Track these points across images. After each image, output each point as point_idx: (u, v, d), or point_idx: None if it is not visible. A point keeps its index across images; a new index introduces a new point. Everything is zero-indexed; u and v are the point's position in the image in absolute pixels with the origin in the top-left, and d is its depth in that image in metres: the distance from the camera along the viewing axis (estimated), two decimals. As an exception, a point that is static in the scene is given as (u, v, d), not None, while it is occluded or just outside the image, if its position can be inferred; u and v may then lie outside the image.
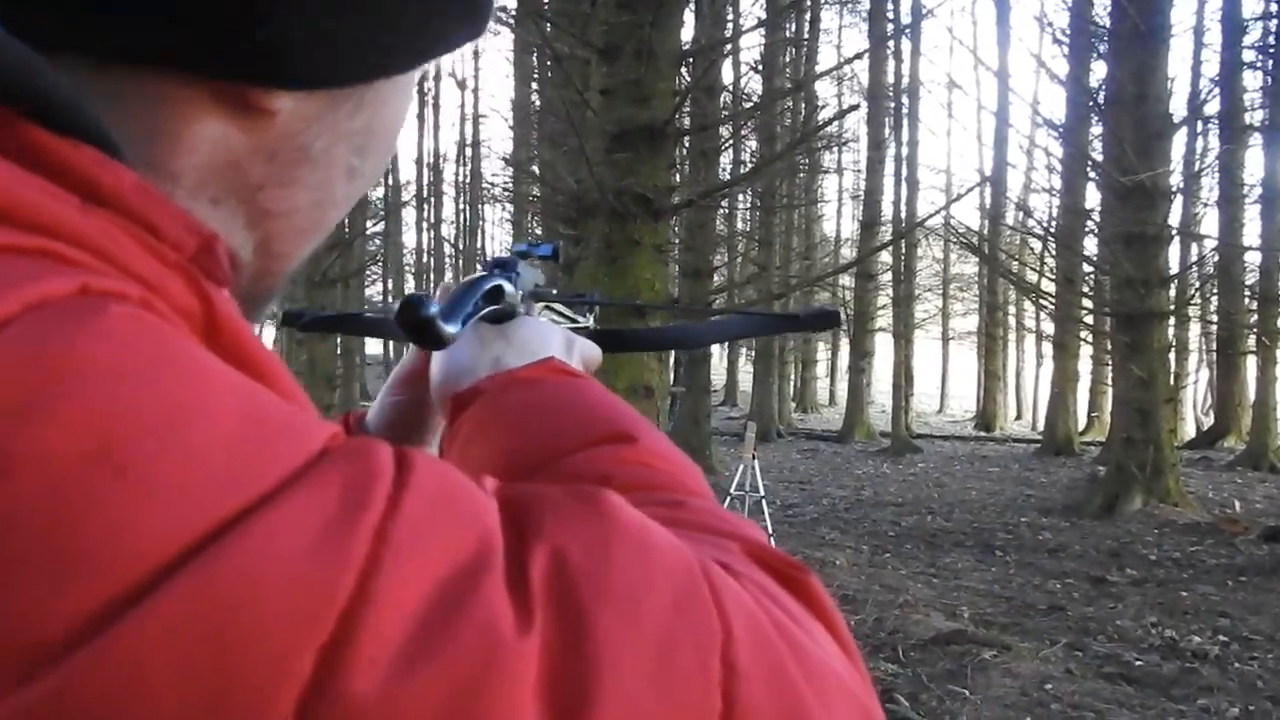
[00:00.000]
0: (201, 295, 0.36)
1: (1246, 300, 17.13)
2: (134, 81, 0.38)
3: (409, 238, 33.72)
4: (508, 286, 0.67)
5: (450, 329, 0.56)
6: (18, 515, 0.26)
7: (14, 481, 0.27)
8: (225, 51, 0.38)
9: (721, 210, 15.65)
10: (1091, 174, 12.94)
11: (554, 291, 0.82)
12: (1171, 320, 12.04)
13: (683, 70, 6.80)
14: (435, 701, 0.28)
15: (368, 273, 21.66)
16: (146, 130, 0.39)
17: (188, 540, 0.27)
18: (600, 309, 0.91)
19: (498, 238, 34.39)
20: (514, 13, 8.92)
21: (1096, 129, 13.53)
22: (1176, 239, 13.55)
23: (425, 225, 33.82)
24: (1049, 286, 16.35)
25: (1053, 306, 16.53)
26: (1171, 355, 11.79)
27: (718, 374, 28.52)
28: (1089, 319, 14.38)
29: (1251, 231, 17.60)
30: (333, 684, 0.27)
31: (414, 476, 0.32)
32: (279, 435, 0.31)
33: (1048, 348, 23.56)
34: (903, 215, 21.12)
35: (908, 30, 21.29)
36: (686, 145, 10.52)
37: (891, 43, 20.83)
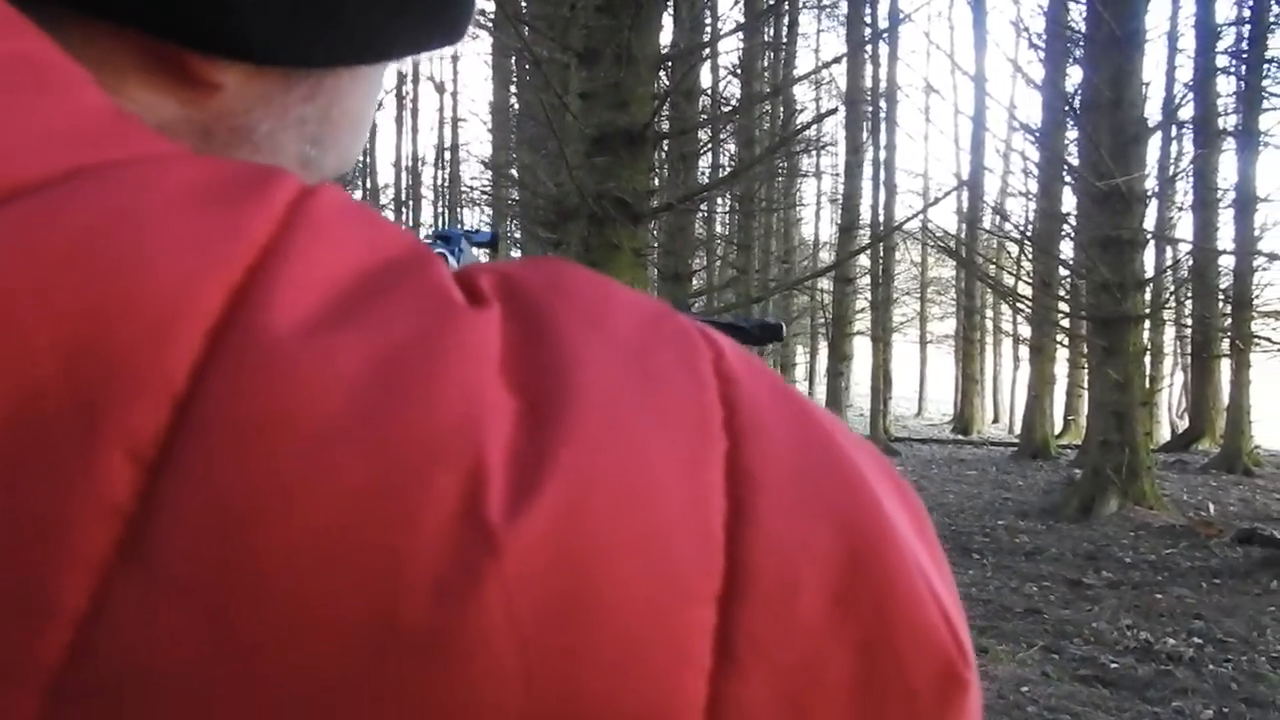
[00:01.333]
0: None
1: (1221, 304, 17.23)
2: (64, 24, 0.32)
3: (387, 241, 33.64)
4: (451, 261, 0.60)
5: None
6: None
7: None
8: (166, 7, 0.32)
9: (701, 214, 15.62)
10: (1068, 178, 13.03)
11: None
12: (1147, 324, 12.12)
13: (662, 74, 6.79)
14: (374, 354, 0.24)
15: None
16: None
17: (52, 169, 0.24)
18: None
19: (477, 241, 34.34)
20: (493, 16, 8.90)
21: (1072, 133, 13.63)
22: (1152, 243, 13.68)
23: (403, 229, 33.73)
24: (1026, 290, 16.42)
25: (1029, 310, 16.61)
26: (1147, 359, 11.87)
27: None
28: (1065, 322, 14.49)
29: (1225, 235, 17.68)
30: (247, 317, 0.23)
31: (325, 189, 0.28)
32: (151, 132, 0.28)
33: (1024, 351, 23.65)
34: (880, 219, 21.23)
35: (885, 35, 21.41)
36: (665, 149, 10.50)
37: (869, 47, 20.92)
